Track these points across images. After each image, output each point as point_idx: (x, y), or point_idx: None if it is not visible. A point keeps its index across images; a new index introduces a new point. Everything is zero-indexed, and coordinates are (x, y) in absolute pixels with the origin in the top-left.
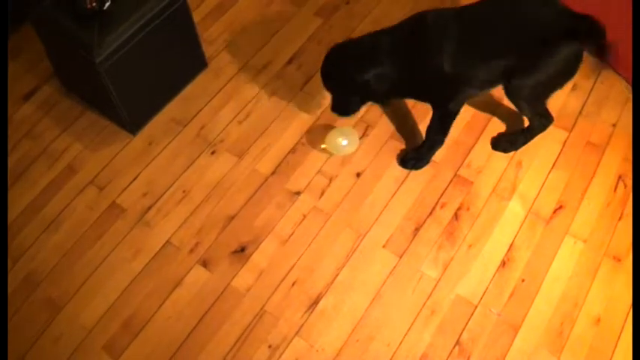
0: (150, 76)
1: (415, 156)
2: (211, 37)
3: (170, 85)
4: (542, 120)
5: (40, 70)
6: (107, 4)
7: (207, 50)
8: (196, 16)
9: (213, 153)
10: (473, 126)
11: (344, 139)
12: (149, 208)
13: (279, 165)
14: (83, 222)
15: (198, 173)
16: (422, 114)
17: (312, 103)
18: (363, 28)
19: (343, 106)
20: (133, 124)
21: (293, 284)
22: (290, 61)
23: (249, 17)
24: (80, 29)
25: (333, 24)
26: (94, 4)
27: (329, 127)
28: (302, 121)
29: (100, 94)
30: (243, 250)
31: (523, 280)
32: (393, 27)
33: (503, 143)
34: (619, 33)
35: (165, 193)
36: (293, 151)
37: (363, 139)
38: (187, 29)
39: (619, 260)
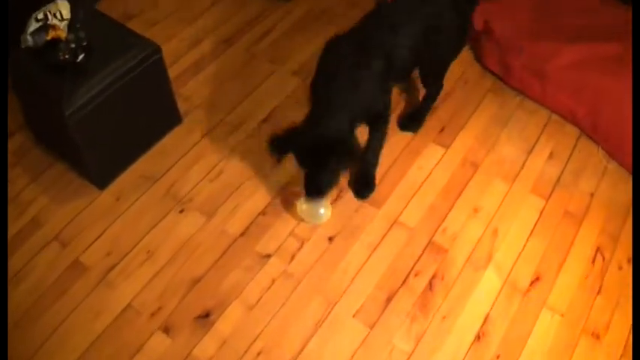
0: (121, 130)
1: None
2: (187, 92)
3: (142, 139)
4: (439, 84)
5: (14, 118)
6: (80, 57)
7: (182, 106)
8: (172, 72)
9: (181, 211)
10: (449, 190)
11: (321, 208)
12: (112, 267)
13: (249, 226)
14: (44, 279)
15: (165, 232)
16: (394, 180)
17: (286, 165)
18: None
19: (319, 183)
20: (102, 178)
21: (258, 354)
22: (265, 120)
23: (227, 75)
24: (51, 80)
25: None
26: (67, 56)
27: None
28: (275, 181)
29: (69, 146)
30: (207, 315)
31: (498, 357)
32: None
33: (409, 123)
34: (599, 104)
35: (129, 252)
36: (264, 212)
37: (336, 202)
38: (162, 84)
39: (598, 337)
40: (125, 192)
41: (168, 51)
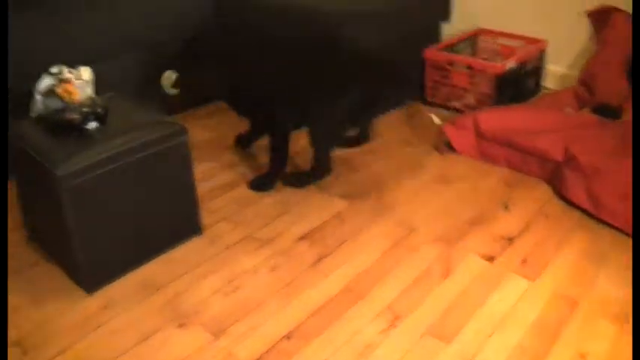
0: (125, 221)
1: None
2: (215, 207)
3: (149, 242)
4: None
5: (12, 215)
6: (91, 124)
7: (206, 218)
8: (203, 187)
9: (181, 326)
10: (541, 329)
11: None
12: None
13: (266, 352)
14: None
15: (154, 350)
16: (467, 311)
17: (321, 283)
18: (392, 216)
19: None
20: (90, 279)
21: None
22: (303, 238)
23: (263, 197)
24: (50, 140)
25: (361, 208)
26: (75, 116)
27: (339, 314)
28: (305, 302)
29: (59, 233)
30: None
31: None
32: None
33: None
34: None
35: None
36: (288, 336)
37: (388, 331)
38: (182, 176)
39: None
40: (116, 300)
41: (200, 170)
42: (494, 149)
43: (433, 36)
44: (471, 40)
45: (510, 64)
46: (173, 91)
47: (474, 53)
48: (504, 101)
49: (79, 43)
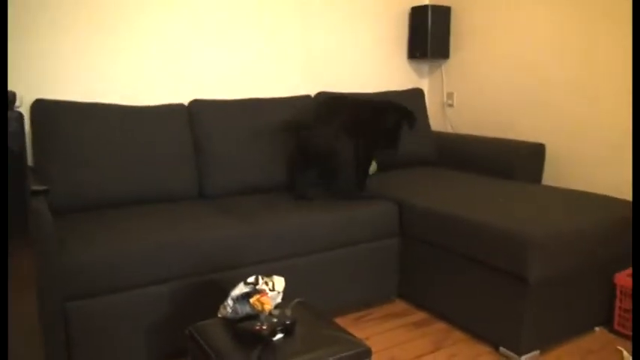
0: None
1: None
2: None
3: None
4: None
5: None
6: (278, 336)
7: None
8: None
9: None
10: None
11: None
12: None
13: None
14: None
15: None
16: None
17: None
18: None
19: None
20: None
21: None
22: None
23: None
24: (235, 346)
25: None
26: (264, 327)
27: None
28: None
29: None
30: None
31: None
32: None
33: None
34: None
35: None
36: None
37: None
38: None
39: None
40: None
41: None
42: None
43: (624, 260)
44: None
45: None
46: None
47: None
48: None
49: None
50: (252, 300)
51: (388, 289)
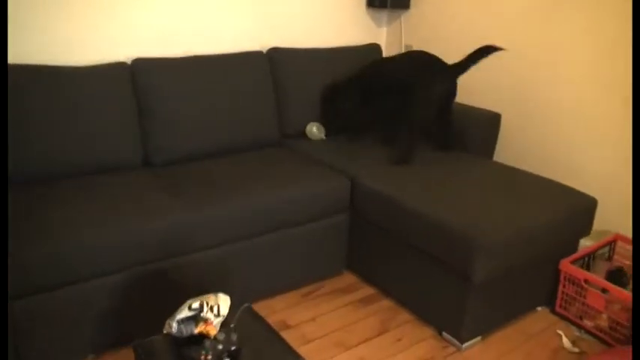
0: None
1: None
2: None
3: None
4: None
5: None
6: None
7: None
8: None
9: None
10: None
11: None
12: None
13: None
14: None
15: None
16: None
17: None
18: None
19: None
20: None
21: None
22: None
23: None
24: None
25: None
26: (209, 357)
27: None
28: None
29: None
30: None
31: None
32: None
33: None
34: None
35: None
36: None
37: None
38: None
39: None
40: None
41: None
42: None
43: (569, 247)
44: (610, 246)
45: None
46: (320, 136)
47: (610, 260)
48: None
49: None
50: (197, 328)
51: (338, 263)
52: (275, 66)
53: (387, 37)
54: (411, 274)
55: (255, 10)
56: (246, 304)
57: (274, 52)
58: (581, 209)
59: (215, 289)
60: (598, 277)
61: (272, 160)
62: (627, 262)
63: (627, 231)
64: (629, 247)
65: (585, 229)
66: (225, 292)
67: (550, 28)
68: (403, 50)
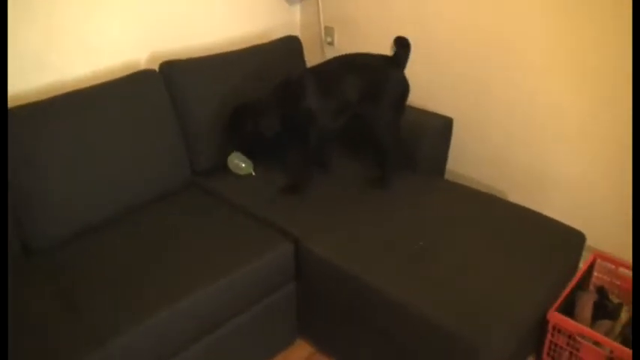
0: None
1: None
2: None
3: None
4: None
5: None
6: None
7: None
8: None
9: None
10: None
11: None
12: None
13: None
14: None
15: None
16: None
17: None
18: None
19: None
20: None
21: None
22: None
23: None
24: None
25: None
26: None
27: None
28: None
29: None
30: None
31: None
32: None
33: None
34: None
35: None
36: None
37: None
38: None
39: None
40: None
41: None
42: None
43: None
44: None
45: None
46: (249, 171)
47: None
48: None
49: None
50: None
51: (288, 334)
52: (172, 85)
53: (302, 18)
54: (379, 350)
55: (140, 11)
56: None
57: (169, 67)
58: (570, 253)
59: None
60: (595, 332)
61: (185, 222)
62: (606, 278)
63: (602, 238)
64: (608, 264)
65: (573, 271)
66: None
67: (504, 16)
68: (323, 33)
